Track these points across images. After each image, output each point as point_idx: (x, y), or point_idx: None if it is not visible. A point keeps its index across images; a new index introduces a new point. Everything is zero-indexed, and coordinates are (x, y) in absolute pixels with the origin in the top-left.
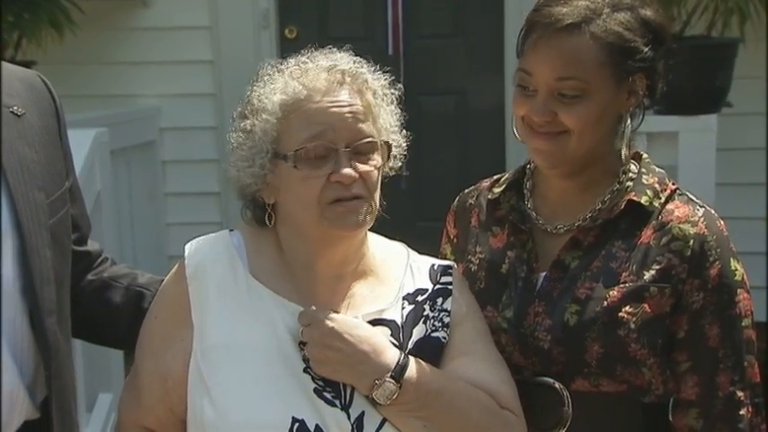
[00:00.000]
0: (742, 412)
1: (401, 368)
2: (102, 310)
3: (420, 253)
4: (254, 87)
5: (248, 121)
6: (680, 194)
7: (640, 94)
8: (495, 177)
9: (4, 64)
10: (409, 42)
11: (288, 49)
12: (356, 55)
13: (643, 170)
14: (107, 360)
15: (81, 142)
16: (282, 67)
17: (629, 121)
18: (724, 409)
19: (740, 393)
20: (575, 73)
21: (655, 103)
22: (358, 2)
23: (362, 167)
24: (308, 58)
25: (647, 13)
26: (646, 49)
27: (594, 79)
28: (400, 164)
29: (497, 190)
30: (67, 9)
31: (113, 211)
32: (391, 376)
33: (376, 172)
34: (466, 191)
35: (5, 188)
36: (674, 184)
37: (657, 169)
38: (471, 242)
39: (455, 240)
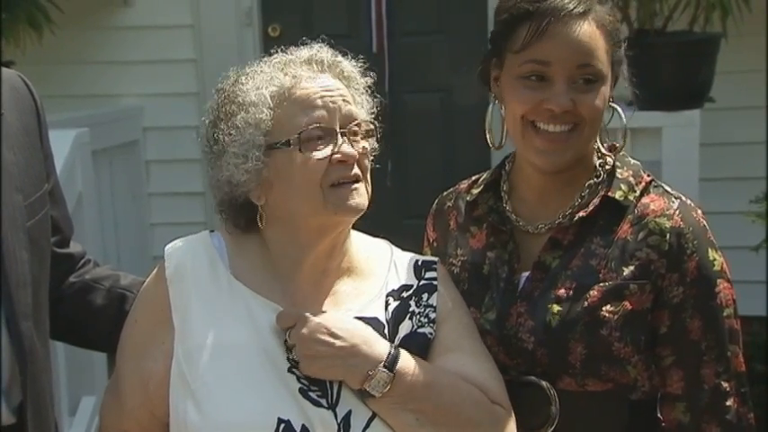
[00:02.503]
0: (729, 403)
1: (393, 358)
2: (84, 313)
3: (405, 251)
4: (233, 87)
5: (236, 118)
6: (655, 186)
7: (614, 85)
8: (474, 178)
9: None
10: (393, 40)
11: (271, 47)
12: (339, 52)
13: (618, 163)
14: (90, 363)
15: (61, 143)
16: (262, 64)
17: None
18: (711, 402)
19: (726, 384)
20: (593, 60)
21: (638, 99)
22: None
23: (358, 149)
24: (286, 52)
25: (609, 7)
26: (622, 41)
27: (604, 66)
28: (375, 155)
29: (475, 191)
30: (46, 8)
31: (95, 212)
32: (384, 366)
33: (368, 155)
34: (444, 194)
35: None
36: (648, 175)
37: (632, 161)
38: (451, 245)
39: (435, 244)
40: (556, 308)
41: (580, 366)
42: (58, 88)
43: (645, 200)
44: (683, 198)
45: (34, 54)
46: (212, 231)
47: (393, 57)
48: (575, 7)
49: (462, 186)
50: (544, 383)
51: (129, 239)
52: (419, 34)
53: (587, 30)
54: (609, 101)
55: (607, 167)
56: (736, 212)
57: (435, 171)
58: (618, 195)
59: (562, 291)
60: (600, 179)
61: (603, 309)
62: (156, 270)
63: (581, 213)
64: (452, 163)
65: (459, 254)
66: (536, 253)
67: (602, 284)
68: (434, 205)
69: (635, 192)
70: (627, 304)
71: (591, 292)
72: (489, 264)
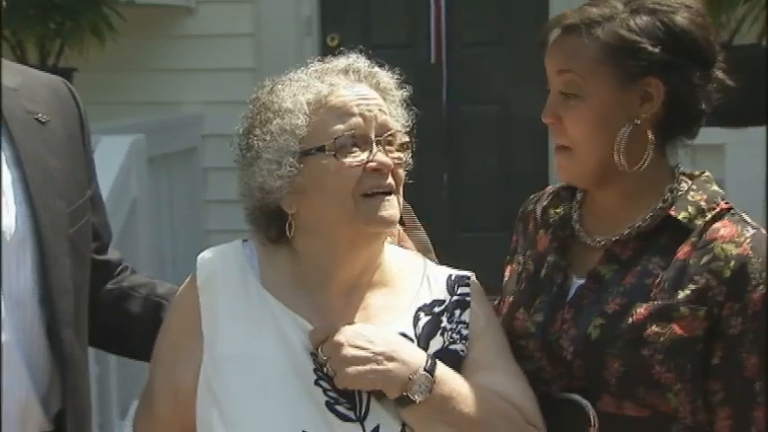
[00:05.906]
0: None
1: (433, 363)
2: (120, 320)
3: (461, 263)
4: (269, 96)
5: (272, 125)
6: (733, 214)
7: (656, 100)
8: (561, 185)
9: (30, 70)
10: (452, 51)
11: (330, 56)
12: (398, 63)
13: (694, 186)
14: (141, 367)
15: (117, 149)
16: (298, 72)
17: (649, 132)
18: None
19: None
20: (571, 66)
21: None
22: (400, 10)
23: (393, 158)
24: (323, 61)
25: (676, 17)
26: (655, 50)
27: (591, 77)
28: (408, 169)
29: (552, 197)
30: (108, 17)
31: (151, 218)
32: (425, 369)
33: (402, 166)
34: (531, 197)
35: (26, 196)
36: (727, 203)
37: (713, 188)
38: (525, 245)
39: (515, 246)
40: (599, 321)
41: (615, 384)
42: (119, 95)
43: (716, 225)
44: (763, 230)
45: (97, 61)
46: (245, 241)
47: (451, 67)
48: (565, 20)
49: (547, 190)
50: (584, 402)
51: (185, 246)
52: (478, 45)
53: (573, 41)
54: (642, 117)
55: (680, 191)
56: None
57: (492, 184)
58: (681, 216)
59: (611, 305)
60: (667, 202)
61: (649, 328)
62: (188, 279)
63: (642, 230)
64: (509, 175)
65: (527, 254)
66: (593, 264)
67: (650, 303)
68: (521, 209)
69: (705, 216)
70: (675, 328)
71: (638, 310)
72: (547, 268)
